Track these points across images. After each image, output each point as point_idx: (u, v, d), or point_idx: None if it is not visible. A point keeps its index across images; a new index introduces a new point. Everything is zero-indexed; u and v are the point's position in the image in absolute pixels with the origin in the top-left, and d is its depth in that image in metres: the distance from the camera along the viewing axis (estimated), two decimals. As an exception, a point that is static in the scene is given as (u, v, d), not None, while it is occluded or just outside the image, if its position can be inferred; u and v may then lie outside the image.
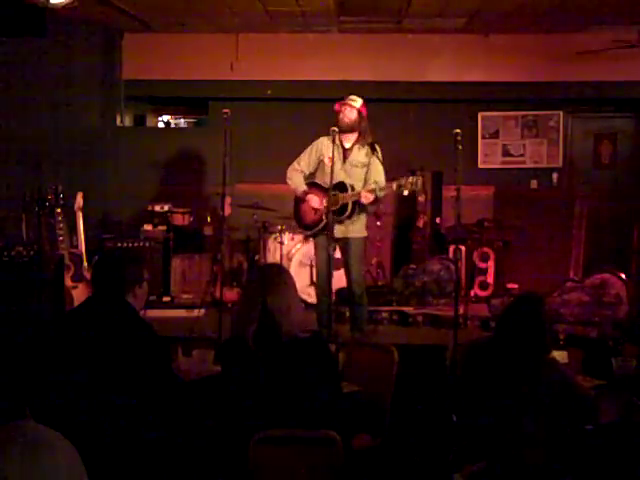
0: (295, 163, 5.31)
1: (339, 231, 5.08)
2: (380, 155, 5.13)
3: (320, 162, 5.22)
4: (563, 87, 7.86)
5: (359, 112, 5.10)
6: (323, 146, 5.18)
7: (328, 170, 4.95)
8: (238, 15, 7.00)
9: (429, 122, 7.93)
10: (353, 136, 5.14)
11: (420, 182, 4.89)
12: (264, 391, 2.72)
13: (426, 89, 7.88)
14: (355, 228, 5.16)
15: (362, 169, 5.13)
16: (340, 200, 5.00)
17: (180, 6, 6.70)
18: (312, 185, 5.26)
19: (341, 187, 5.03)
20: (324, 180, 5.10)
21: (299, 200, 5.32)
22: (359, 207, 5.08)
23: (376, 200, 5.07)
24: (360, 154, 5.14)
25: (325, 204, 5.03)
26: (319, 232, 5.20)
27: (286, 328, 2.73)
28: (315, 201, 5.16)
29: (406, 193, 4.96)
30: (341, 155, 5.13)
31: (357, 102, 5.14)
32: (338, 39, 7.86)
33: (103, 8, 6.65)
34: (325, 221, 5.04)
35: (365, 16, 7.05)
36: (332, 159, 4.90)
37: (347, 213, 5.05)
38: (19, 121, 6.33)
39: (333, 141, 4.92)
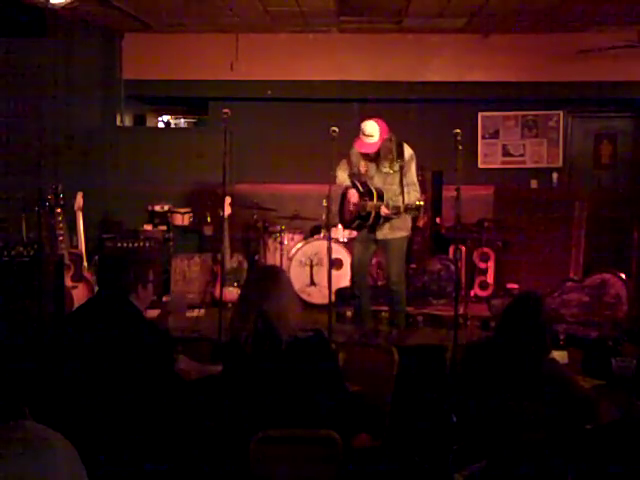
0: (341, 162, 5.41)
1: (379, 233, 5.32)
2: (409, 161, 5.21)
3: (357, 170, 5.34)
4: (563, 87, 7.85)
5: (380, 144, 5.13)
6: (354, 155, 5.31)
7: (363, 176, 5.29)
8: (238, 15, 7.00)
9: (429, 122, 7.93)
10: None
11: (422, 208, 5.04)
12: (265, 392, 2.72)
13: (426, 89, 7.88)
14: (393, 228, 5.28)
15: (393, 174, 5.23)
16: (367, 207, 5.22)
17: (180, 6, 6.70)
18: (353, 186, 5.40)
19: (370, 194, 5.21)
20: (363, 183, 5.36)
21: (344, 196, 5.47)
22: (383, 217, 5.22)
23: (398, 213, 5.16)
24: (387, 162, 5.22)
25: (356, 204, 5.30)
26: (355, 230, 5.47)
27: (283, 331, 2.73)
28: (354, 196, 5.30)
29: (411, 215, 5.15)
30: (373, 163, 5.27)
31: (374, 137, 5.13)
32: (338, 39, 7.86)
33: (103, 8, 6.65)
34: (357, 222, 5.32)
35: (365, 16, 7.05)
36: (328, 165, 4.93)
37: (370, 221, 5.21)
38: (19, 121, 6.33)
39: (333, 140, 4.96)
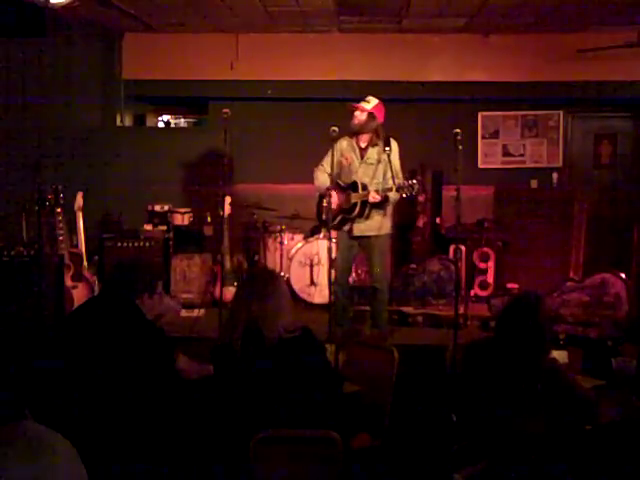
0: (320, 165, 5.42)
1: (357, 230, 5.29)
2: (395, 151, 5.25)
3: (340, 163, 5.33)
4: (563, 87, 7.85)
5: (369, 114, 5.21)
6: (342, 147, 5.32)
7: (346, 170, 5.28)
8: (238, 15, 7.00)
9: (429, 122, 7.93)
10: (367, 136, 5.28)
11: (417, 187, 4.97)
12: (255, 392, 2.73)
13: (426, 89, 7.88)
14: (372, 225, 5.27)
15: (377, 166, 5.26)
16: (351, 199, 5.21)
17: (180, 6, 6.70)
18: (335, 185, 5.35)
19: (354, 186, 5.23)
20: (345, 180, 5.33)
21: (322, 197, 5.44)
22: (370, 206, 5.16)
23: (387, 200, 5.18)
24: (373, 152, 5.28)
25: (342, 199, 5.26)
26: (336, 228, 5.33)
27: (270, 333, 2.74)
28: (335, 197, 5.27)
29: (404, 196, 5.05)
30: (358, 155, 5.31)
31: (370, 104, 5.24)
32: (338, 39, 7.86)
33: (103, 8, 6.64)
34: (339, 218, 5.26)
35: (365, 16, 7.05)
36: (334, 161, 4.96)
37: (355, 212, 5.19)
38: (19, 121, 6.33)
39: (333, 141, 4.99)
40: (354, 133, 5.25)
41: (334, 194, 5.25)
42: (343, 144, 5.30)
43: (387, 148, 5.17)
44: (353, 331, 5.51)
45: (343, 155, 5.31)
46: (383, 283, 5.42)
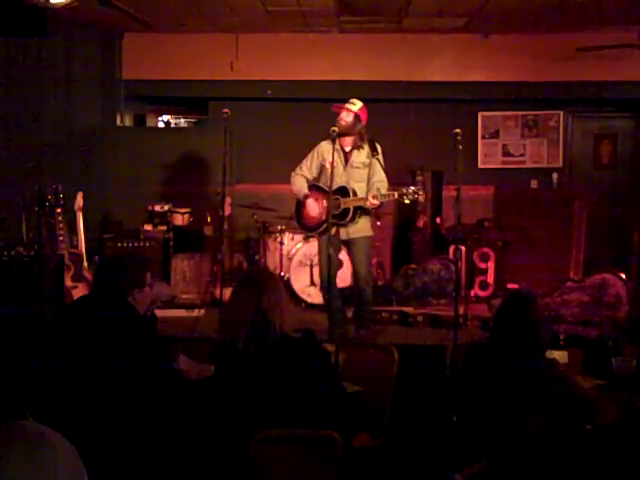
0: (297, 168, 5.38)
1: (343, 233, 5.22)
2: (381, 155, 5.20)
3: (322, 166, 5.26)
4: (563, 87, 7.85)
5: (356, 115, 5.14)
6: (324, 150, 5.23)
7: (328, 173, 5.07)
8: (238, 15, 7.00)
9: (429, 122, 7.93)
10: (351, 139, 5.21)
11: (422, 193, 4.97)
12: (257, 392, 2.73)
13: (426, 89, 7.88)
14: (358, 228, 5.23)
15: (364, 170, 5.19)
16: (342, 205, 5.12)
17: (180, 6, 6.70)
18: (315, 188, 5.33)
19: (343, 191, 5.14)
20: (327, 183, 5.13)
21: (300, 203, 5.39)
22: (360, 211, 5.15)
23: (380, 204, 5.14)
24: (360, 155, 5.21)
25: (322, 209, 5.17)
26: (322, 234, 5.27)
27: (279, 328, 2.77)
28: (312, 208, 5.26)
29: (407, 202, 5.04)
30: (342, 158, 5.22)
31: (355, 106, 5.17)
32: (338, 39, 7.86)
33: (103, 8, 6.64)
34: (325, 225, 5.12)
35: (365, 16, 7.05)
36: (332, 163, 4.96)
37: (349, 218, 5.14)
38: (19, 121, 6.33)
39: (333, 141, 4.95)
40: (338, 135, 5.11)
41: (311, 204, 5.23)
42: (324, 147, 5.20)
43: (375, 152, 5.12)
44: (347, 332, 5.48)
45: (325, 159, 5.20)
46: (369, 284, 5.38)
